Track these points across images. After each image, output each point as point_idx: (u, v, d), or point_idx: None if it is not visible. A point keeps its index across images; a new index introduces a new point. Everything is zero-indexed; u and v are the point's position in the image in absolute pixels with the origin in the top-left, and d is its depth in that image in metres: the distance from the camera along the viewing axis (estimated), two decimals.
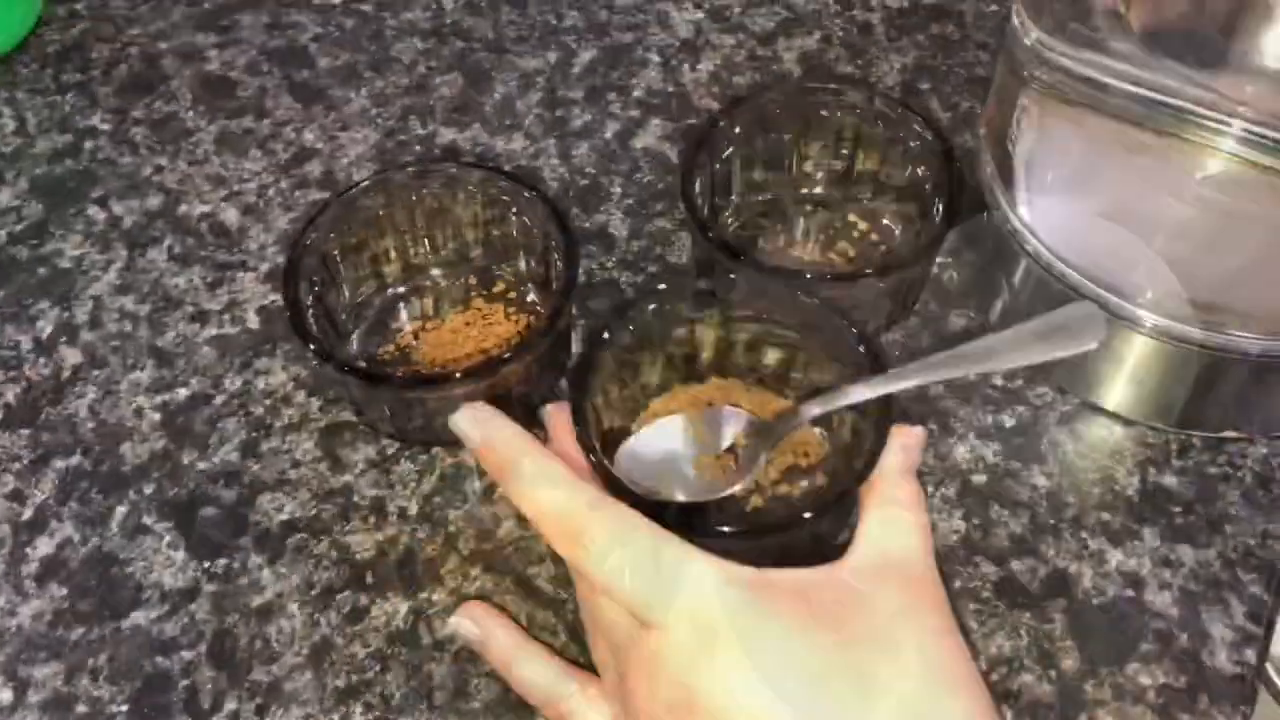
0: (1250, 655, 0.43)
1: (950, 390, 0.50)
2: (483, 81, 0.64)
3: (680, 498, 0.42)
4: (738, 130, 0.53)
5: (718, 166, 0.53)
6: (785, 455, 0.47)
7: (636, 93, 0.63)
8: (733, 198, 0.55)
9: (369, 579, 0.46)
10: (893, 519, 0.38)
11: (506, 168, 0.59)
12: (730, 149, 0.54)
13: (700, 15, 0.67)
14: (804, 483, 0.46)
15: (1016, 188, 0.49)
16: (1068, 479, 0.48)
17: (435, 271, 0.54)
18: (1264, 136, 0.40)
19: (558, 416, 0.43)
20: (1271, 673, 0.56)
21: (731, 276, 0.47)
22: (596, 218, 0.57)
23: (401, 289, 0.54)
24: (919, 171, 0.52)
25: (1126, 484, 0.47)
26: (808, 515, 0.40)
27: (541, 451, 0.38)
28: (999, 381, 0.51)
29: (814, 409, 0.41)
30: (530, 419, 0.43)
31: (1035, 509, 0.47)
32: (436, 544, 0.47)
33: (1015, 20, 0.47)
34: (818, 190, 0.56)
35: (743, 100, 0.53)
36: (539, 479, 0.37)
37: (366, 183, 0.51)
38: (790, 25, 0.66)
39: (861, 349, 0.43)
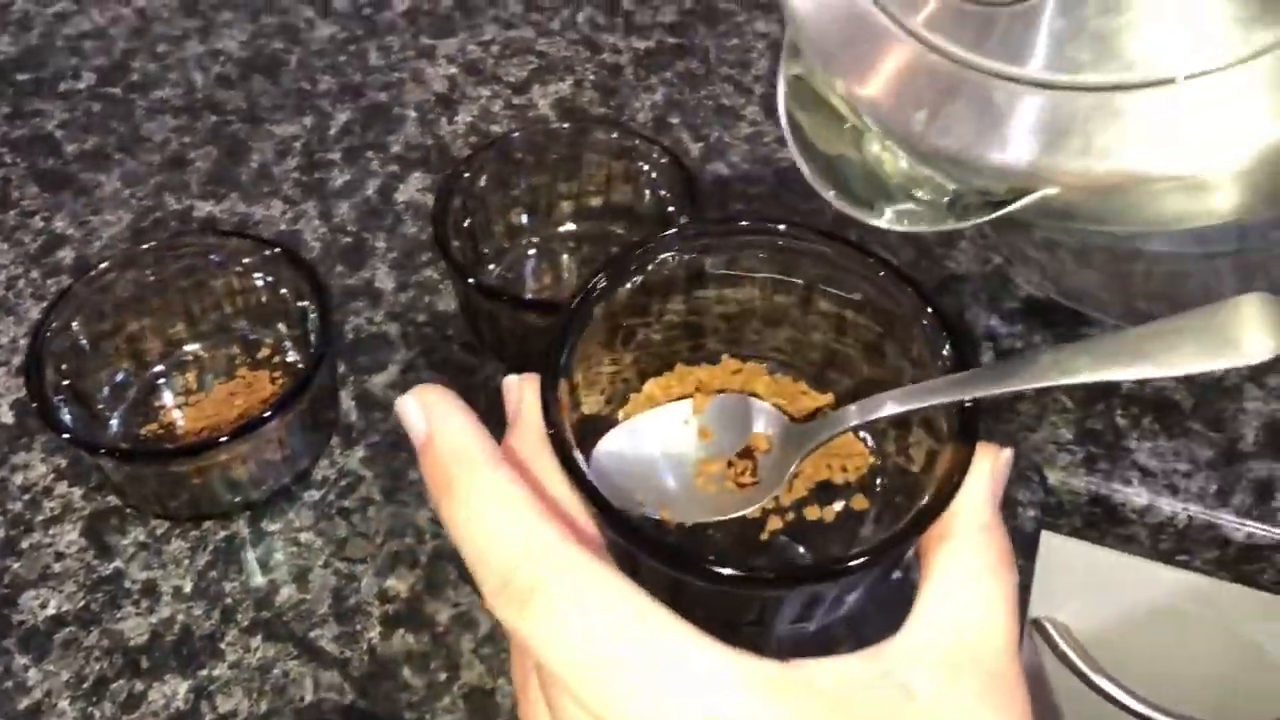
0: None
1: None
2: (239, 152, 0.64)
3: (671, 517, 0.32)
4: (489, 177, 0.54)
5: (474, 213, 0.54)
6: (817, 465, 0.35)
7: (395, 149, 0.63)
8: (495, 242, 0.56)
9: (144, 664, 0.45)
10: (970, 583, 0.27)
11: (265, 234, 0.58)
12: (485, 194, 0.54)
13: (454, 70, 0.68)
14: (838, 505, 0.34)
15: None
16: None
17: (195, 345, 0.53)
18: None
19: (525, 391, 0.30)
20: (1049, 628, 0.59)
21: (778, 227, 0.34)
22: (361, 273, 0.57)
23: (161, 366, 0.52)
24: (665, 197, 0.54)
25: None
26: (854, 563, 0.28)
27: (495, 462, 0.27)
28: None
29: (870, 412, 0.31)
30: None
31: None
32: (214, 619, 0.46)
33: None
34: (579, 227, 0.57)
35: (488, 146, 0.54)
36: (484, 504, 0.26)
37: (105, 264, 0.50)
38: (543, 73, 0.68)
39: (941, 335, 0.31)
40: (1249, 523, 0.48)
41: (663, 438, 0.35)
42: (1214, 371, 0.26)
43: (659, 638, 0.24)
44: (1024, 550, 0.47)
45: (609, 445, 0.34)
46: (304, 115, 0.65)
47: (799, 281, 0.35)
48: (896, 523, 0.29)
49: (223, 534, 0.48)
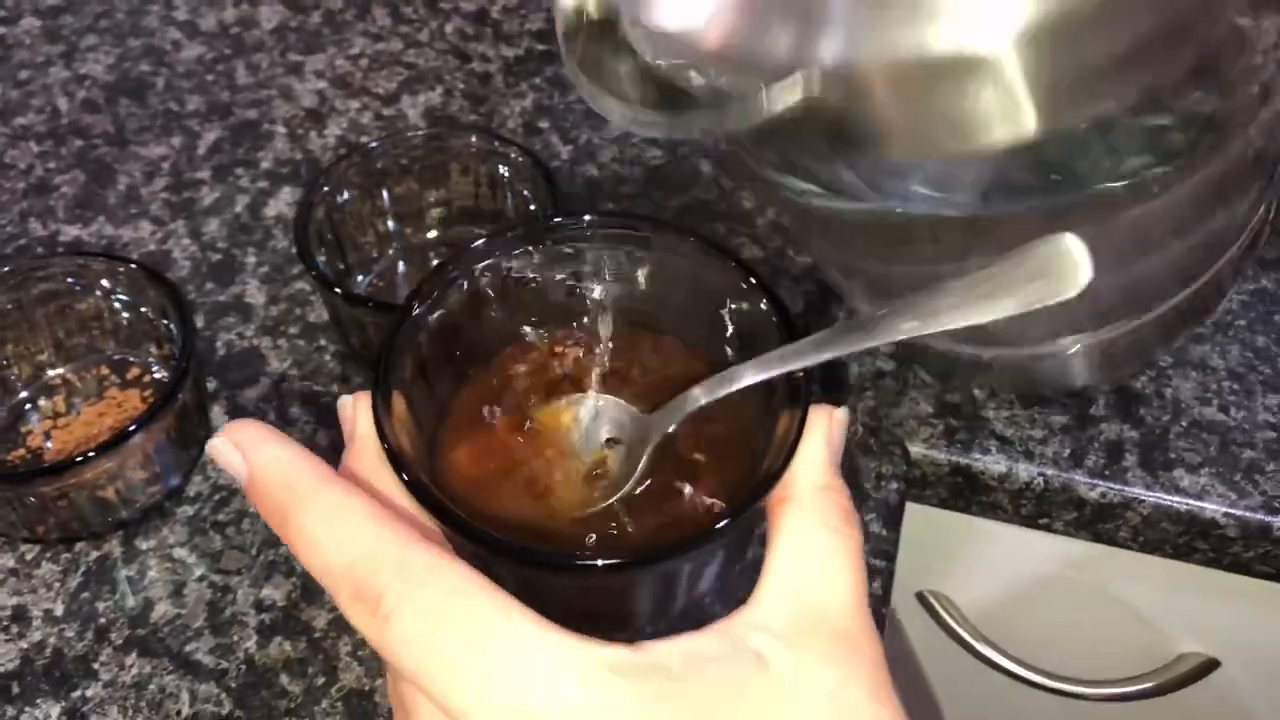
0: (877, 587, 0.47)
1: None
2: (105, 175, 0.63)
3: (534, 518, 0.32)
4: (352, 187, 0.55)
5: (339, 224, 0.55)
6: (675, 452, 0.34)
7: (265, 164, 0.64)
8: (363, 252, 0.56)
9: (14, 690, 0.44)
10: (814, 544, 0.27)
11: (134, 255, 0.58)
12: (348, 205, 0.55)
13: (323, 84, 0.68)
14: (696, 489, 0.34)
15: None
16: None
17: (63, 369, 0.53)
18: None
19: (358, 410, 0.31)
20: (932, 600, 0.61)
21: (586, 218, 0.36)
22: (232, 289, 0.57)
23: (26, 393, 0.52)
24: (529, 198, 0.55)
25: None
26: (683, 542, 0.28)
27: (330, 481, 0.27)
28: None
29: (701, 395, 0.32)
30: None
31: None
32: (87, 639, 0.45)
33: None
34: (448, 233, 0.58)
35: (348, 157, 0.54)
36: (326, 520, 0.26)
37: None
38: (413, 83, 0.68)
39: (771, 310, 0.33)
40: (1101, 482, 0.50)
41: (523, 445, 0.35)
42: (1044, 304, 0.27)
43: (506, 631, 0.24)
44: (889, 522, 0.49)
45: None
46: (172, 136, 0.65)
47: (628, 269, 0.36)
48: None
49: (95, 555, 0.48)
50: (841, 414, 0.30)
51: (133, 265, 0.50)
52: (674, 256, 0.35)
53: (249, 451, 0.27)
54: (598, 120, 0.66)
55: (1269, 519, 0.49)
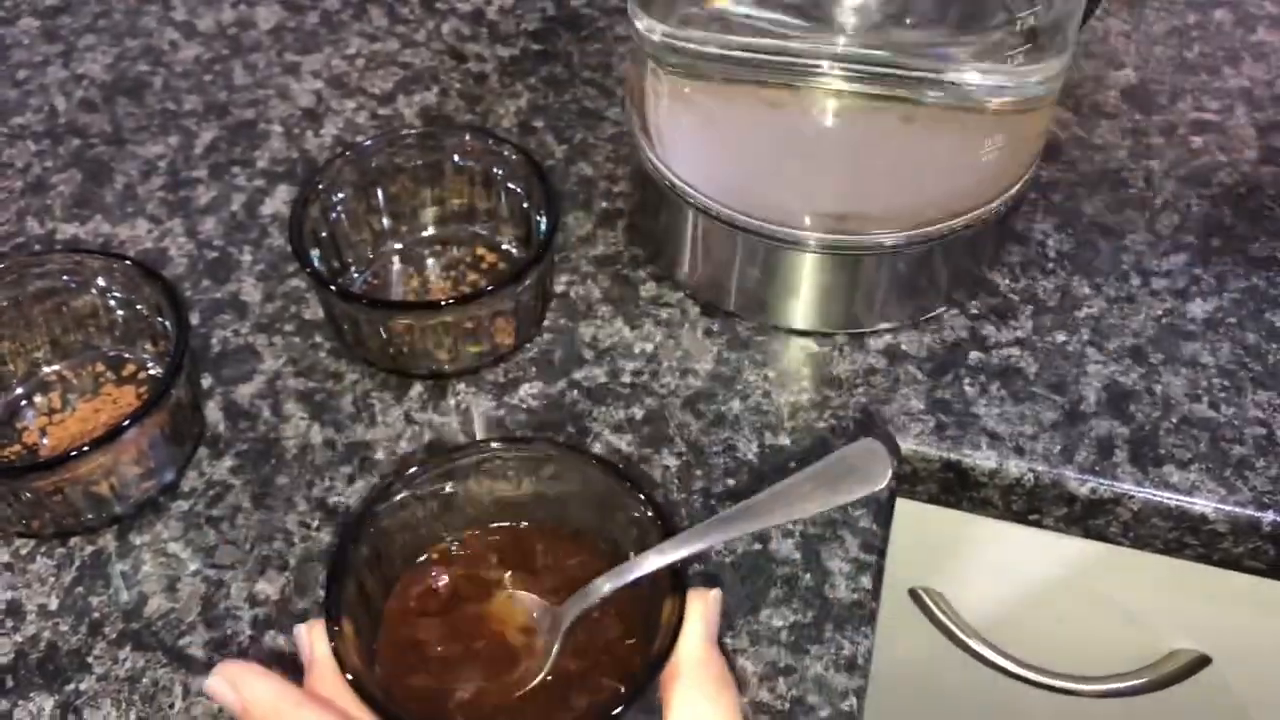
0: (867, 582, 0.47)
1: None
2: (102, 174, 0.63)
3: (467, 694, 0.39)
4: (349, 184, 0.55)
5: (334, 221, 0.55)
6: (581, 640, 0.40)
7: (261, 163, 0.64)
8: (358, 250, 0.57)
9: (9, 683, 0.44)
10: (699, 708, 0.35)
11: (131, 253, 0.58)
12: (343, 203, 0.55)
13: (320, 84, 0.69)
14: (598, 673, 0.40)
15: (671, 159, 0.53)
16: (694, 454, 0.51)
17: (58, 365, 0.53)
18: (859, 70, 0.46)
19: (314, 637, 0.37)
20: (925, 597, 0.61)
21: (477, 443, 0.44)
22: (228, 286, 0.58)
23: (22, 389, 0.52)
24: (522, 195, 0.55)
25: (746, 450, 0.51)
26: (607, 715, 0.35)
27: (306, 705, 0.34)
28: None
29: (605, 585, 0.38)
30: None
31: (668, 485, 0.50)
32: (81, 633, 0.46)
33: (638, 24, 0.51)
34: (442, 230, 0.58)
35: (343, 156, 0.55)
36: None
37: None
38: (408, 83, 0.69)
39: (646, 512, 0.40)
40: (1091, 478, 0.51)
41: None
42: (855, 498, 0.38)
43: None
44: (879, 518, 0.49)
45: None
46: (169, 135, 0.66)
47: (531, 483, 0.42)
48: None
49: (90, 549, 0.48)
50: (715, 594, 0.37)
51: (128, 262, 0.51)
52: (571, 470, 0.42)
53: (240, 687, 0.34)
54: (592, 120, 0.66)
55: (1259, 514, 0.49)
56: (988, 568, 0.61)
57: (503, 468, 0.42)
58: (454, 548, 0.42)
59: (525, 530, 0.43)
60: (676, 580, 0.37)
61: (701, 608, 0.36)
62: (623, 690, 0.38)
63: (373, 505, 0.40)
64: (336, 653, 0.36)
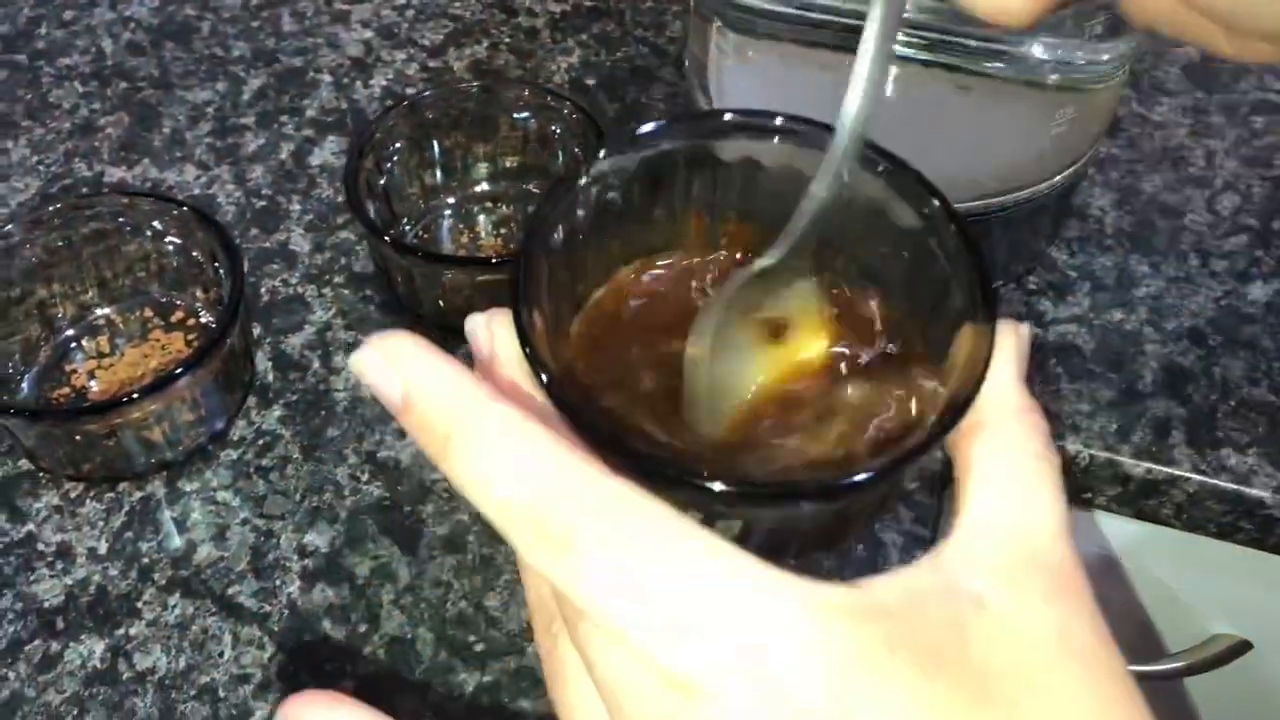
0: (920, 555, 0.47)
1: None
2: (150, 118, 0.63)
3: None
4: (401, 137, 0.54)
5: (387, 173, 0.54)
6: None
7: (310, 113, 0.63)
8: (410, 203, 0.56)
9: (60, 624, 0.44)
10: (1018, 473, 0.24)
11: (180, 197, 0.58)
12: (397, 155, 0.55)
13: (369, 34, 0.68)
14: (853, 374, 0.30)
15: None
16: None
17: (108, 309, 0.53)
18: (923, 36, 0.45)
19: (495, 328, 0.27)
20: None
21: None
22: (276, 236, 0.57)
23: (72, 331, 0.52)
24: (580, 155, 0.55)
25: None
26: (885, 466, 0.25)
27: (499, 403, 0.23)
28: None
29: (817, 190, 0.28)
30: None
31: None
32: (130, 578, 0.46)
33: None
34: (495, 187, 0.58)
35: (398, 106, 0.54)
36: (498, 450, 0.22)
37: (10, 226, 0.49)
38: (459, 35, 0.68)
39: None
40: (1147, 460, 0.50)
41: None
42: None
43: (723, 573, 0.21)
44: (934, 491, 0.49)
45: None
46: (216, 81, 0.65)
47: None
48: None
49: (139, 495, 0.48)
50: (1026, 330, 0.27)
51: (184, 208, 0.50)
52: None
53: (405, 367, 0.23)
54: (644, 79, 0.65)
55: None
56: None
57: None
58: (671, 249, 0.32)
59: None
60: (981, 304, 0.27)
61: (1014, 342, 0.26)
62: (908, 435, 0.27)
63: (574, 180, 0.29)
64: (533, 358, 0.26)
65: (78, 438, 0.46)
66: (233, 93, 0.64)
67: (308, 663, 0.43)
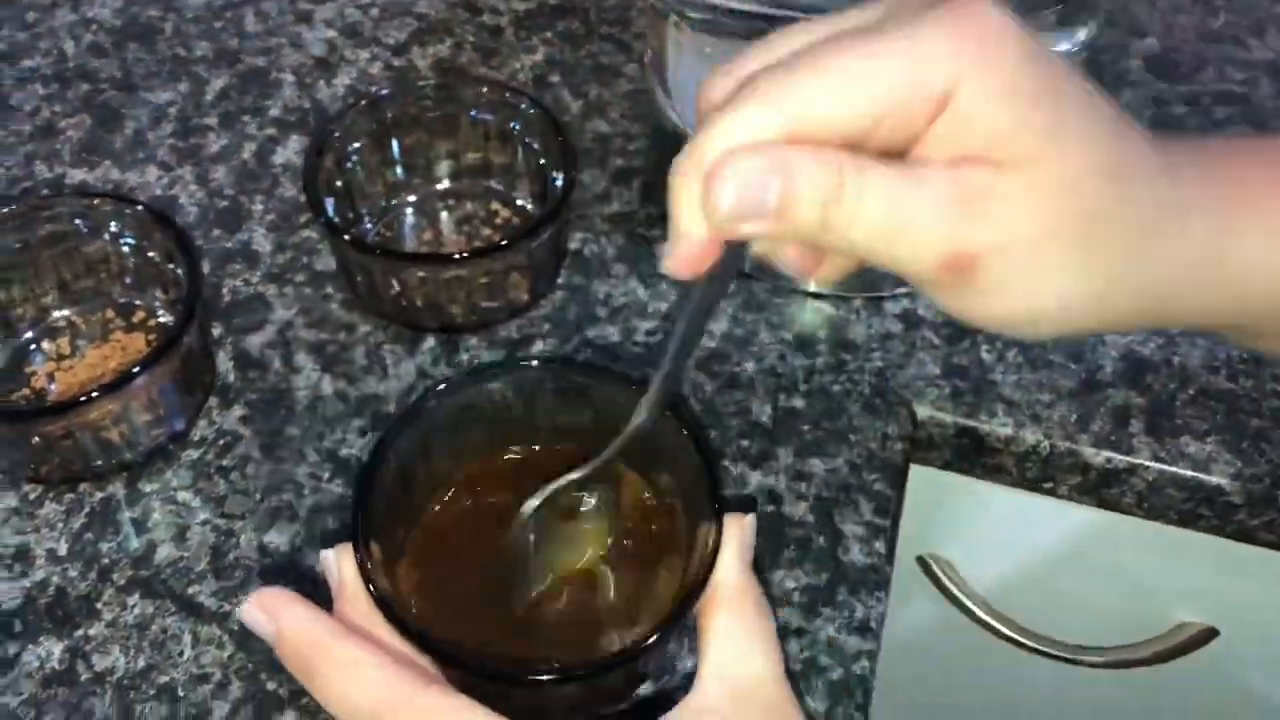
0: (880, 546, 0.47)
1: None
2: (112, 120, 0.63)
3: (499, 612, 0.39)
4: (364, 134, 0.54)
5: (348, 171, 0.54)
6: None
7: (273, 112, 0.63)
8: (372, 201, 0.56)
9: (17, 627, 0.44)
10: (739, 635, 0.34)
11: (140, 198, 0.58)
12: (358, 153, 0.54)
13: (333, 33, 0.68)
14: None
15: (691, 116, 0.52)
16: (708, 415, 0.51)
17: (67, 311, 0.52)
18: None
19: (342, 562, 0.36)
20: (934, 565, 0.61)
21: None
22: (239, 236, 0.57)
23: (31, 333, 0.52)
24: (539, 151, 0.55)
25: (759, 412, 0.51)
26: (647, 644, 0.35)
27: (346, 637, 0.32)
28: None
29: (613, 447, 0.37)
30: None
31: None
32: (90, 579, 0.45)
33: None
34: (457, 184, 0.58)
35: (358, 105, 0.54)
36: (340, 675, 0.31)
37: None
38: (422, 34, 0.68)
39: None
40: (1106, 449, 0.50)
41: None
42: None
43: None
44: (893, 482, 0.49)
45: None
46: (179, 82, 0.65)
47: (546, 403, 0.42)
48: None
49: (99, 496, 0.48)
50: (750, 520, 0.36)
51: (140, 208, 0.50)
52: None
53: (276, 614, 0.32)
54: (609, 76, 0.65)
55: (1276, 488, 0.49)
56: (996, 536, 0.61)
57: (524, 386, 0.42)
58: (475, 468, 0.43)
59: (547, 453, 0.43)
60: (714, 506, 0.36)
61: (738, 532, 0.35)
62: (661, 618, 0.37)
63: (401, 424, 0.40)
64: (368, 579, 0.35)
65: (35, 439, 0.46)
66: (195, 93, 0.64)
67: (267, 661, 0.43)
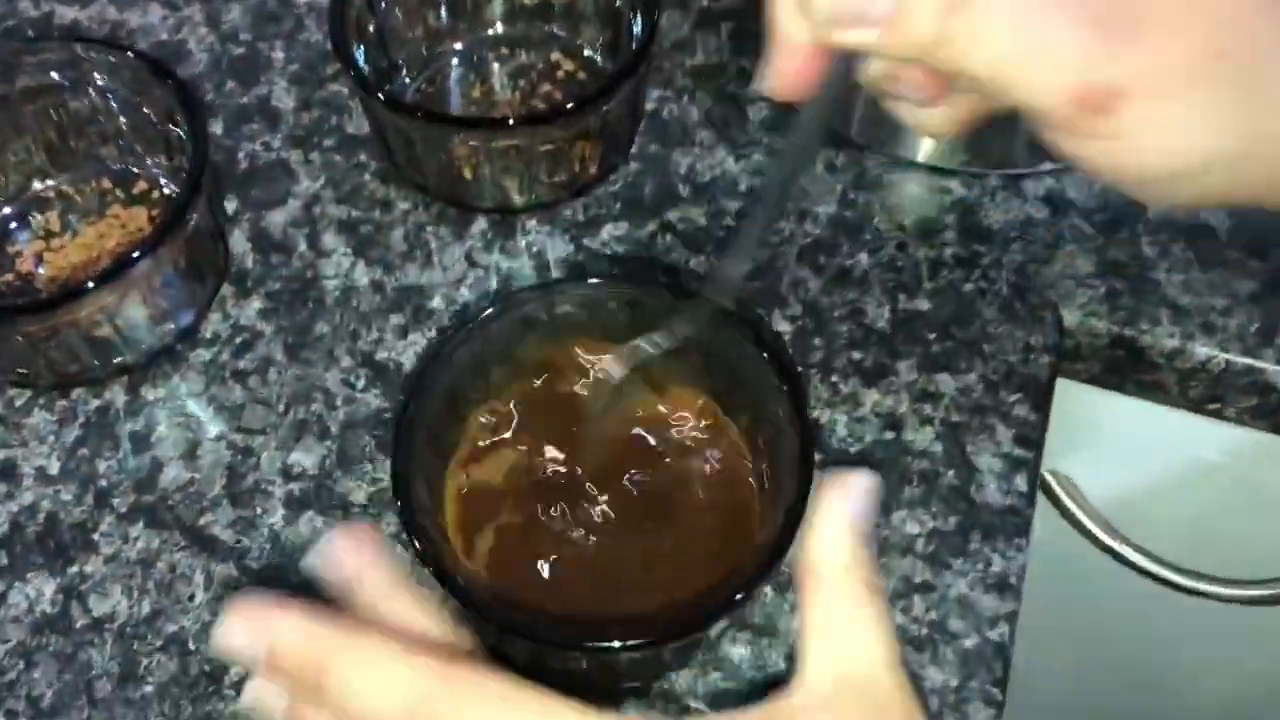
0: (1021, 483, 0.39)
1: None
2: None
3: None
4: None
5: (382, 13, 0.45)
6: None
7: None
8: (411, 49, 0.47)
9: (3, 559, 0.38)
10: (845, 620, 0.29)
11: (142, 45, 0.49)
12: None
13: None
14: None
15: None
16: (813, 318, 0.42)
17: (57, 180, 0.45)
18: None
19: (362, 549, 0.29)
20: (1053, 483, 0.53)
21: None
22: (256, 90, 0.48)
23: (13, 206, 0.44)
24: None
25: (875, 317, 0.42)
26: (699, 626, 0.32)
27: (358, 632, 0.26)
28: None
29: (651, 342, 0.33)
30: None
31: None
32: (85, 504, 0.39)
33: None
34: (512, 29, 0.48)
35: None
36: (366, 675, 0.25)
37: None
38: None
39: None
40: None
41: None
42: None
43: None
44: (1037, 404, 0.41)
45: None
46: None
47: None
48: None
49: (95, 404, 0.41)
50: (860, 482, 0.29)
51: (131, 54, 0.41)
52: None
53: (267, 631, 0.25)
54: None
55: None
56: (1130, 454, 0.53)
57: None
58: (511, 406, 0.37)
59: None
60: (805, 460, 0.32)
61: (842, 503, 0.29)
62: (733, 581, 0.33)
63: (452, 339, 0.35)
64: (414, 529, 0.31)
65: (21, 336, 0.39)
66: None
67: None
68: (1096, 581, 0.56)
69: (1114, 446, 0.53)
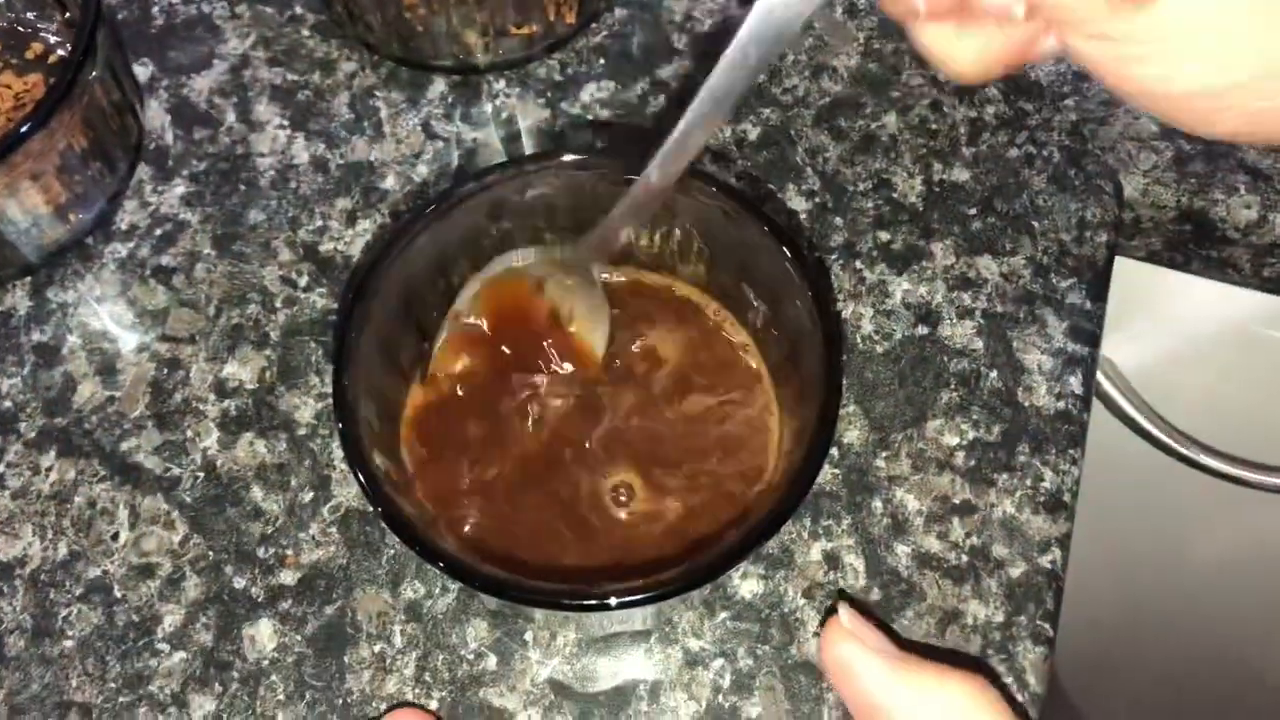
0: (1076, 384, 0.34)
1: None
2: None
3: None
4: None
5: None
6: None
7: None
8: None
9: None
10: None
11: None
12: None
13: None
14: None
15: None
16: (832, 193, 0.36)
17: None
18: None
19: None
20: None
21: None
22: None
23: None
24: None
25: (906, 190, 0.36)
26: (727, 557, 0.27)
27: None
28: None
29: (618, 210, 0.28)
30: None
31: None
32: None
33: None
34: None
35: None
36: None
37: None
38: None
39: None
40: None
41: None
42: None
43: None
44: (1093, 291, 0.35)
45: None
46: None
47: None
48: None
49: (1, 307, 0.35)
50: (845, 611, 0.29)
51: None
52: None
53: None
54: None
55: None
56: (1167, 328, 0.48)
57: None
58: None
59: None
60: (830, 396, 0.26)
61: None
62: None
63: (377, 266, 0.28)
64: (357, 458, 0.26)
65: None
66: None
67: (234, 548, 0.32)
68: (1150, 486, 0.52)
69: (1169, 333, 0.47)
